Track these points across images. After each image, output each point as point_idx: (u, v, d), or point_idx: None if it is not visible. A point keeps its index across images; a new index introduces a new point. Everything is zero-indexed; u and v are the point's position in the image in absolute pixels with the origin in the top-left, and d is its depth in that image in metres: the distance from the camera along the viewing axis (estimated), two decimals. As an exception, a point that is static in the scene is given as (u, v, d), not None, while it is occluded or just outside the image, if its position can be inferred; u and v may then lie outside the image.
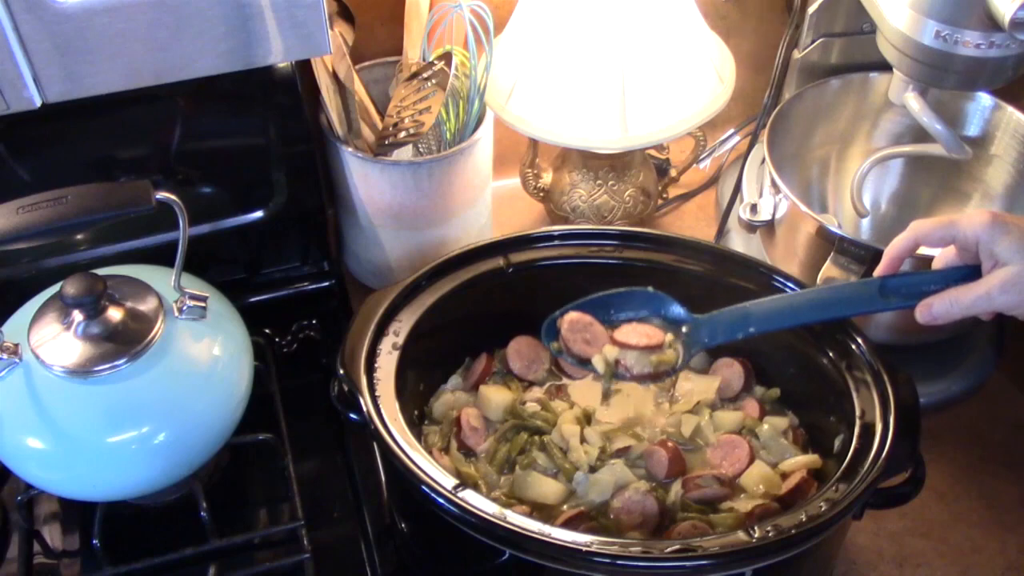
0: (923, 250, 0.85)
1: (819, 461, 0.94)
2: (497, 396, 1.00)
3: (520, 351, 1.05)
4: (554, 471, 0.95)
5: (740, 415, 1.00)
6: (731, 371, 1.03)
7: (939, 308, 0.80)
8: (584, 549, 0.77)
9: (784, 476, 0.94)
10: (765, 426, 0.98)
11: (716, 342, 0.87)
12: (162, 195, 0.86)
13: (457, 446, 0.98)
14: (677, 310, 0.88)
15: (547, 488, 0.93)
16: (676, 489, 0.93)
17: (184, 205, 0.88)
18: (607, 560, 0.77)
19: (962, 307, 0.79)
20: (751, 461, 0.95)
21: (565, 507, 0.92)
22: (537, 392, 1.03)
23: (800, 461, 0.94)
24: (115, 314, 0.90)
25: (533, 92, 1.12)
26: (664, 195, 1.32)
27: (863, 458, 0.85)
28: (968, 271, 0.81)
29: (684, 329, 0.88)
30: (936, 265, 0.84)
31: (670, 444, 0.96)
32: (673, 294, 1.03)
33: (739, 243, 1.23)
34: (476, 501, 0.80)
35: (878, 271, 0.86)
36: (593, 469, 0.94)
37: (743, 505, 0.91)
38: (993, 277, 0.78)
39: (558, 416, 0.99)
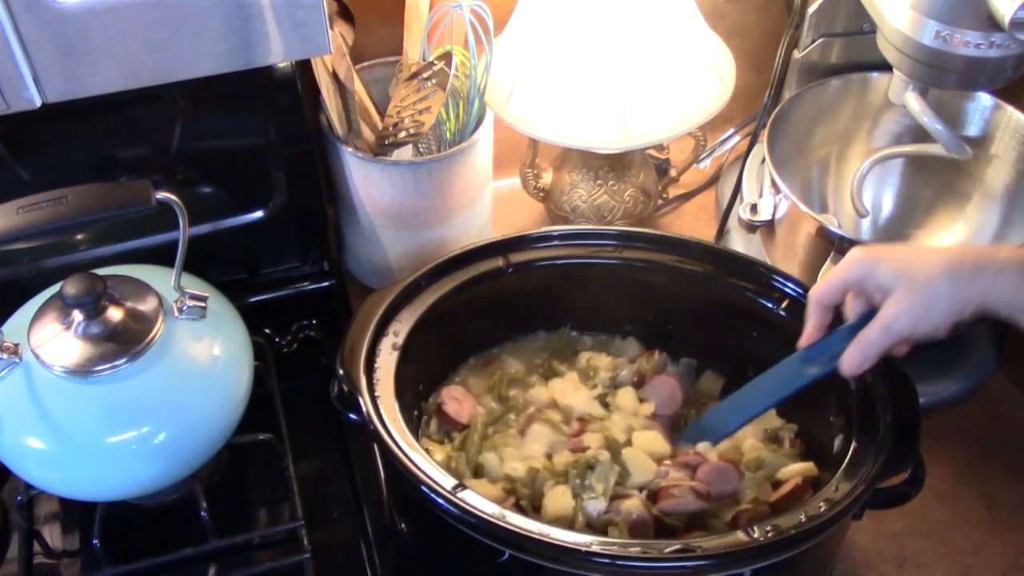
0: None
1: (814, 469, 0.93)
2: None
3: None
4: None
5: (728, 442, 0.98)
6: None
7: (857, 355, 0.82)
8: (584, 549, 0.77)
9: (777, 484, 0.93)
10: (762, 453, 0.97)
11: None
12: (162, 195, 0.86)
13: (441, 423, 0.99)
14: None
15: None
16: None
17: (184, 205, 0.88)
18: (607, 560, 0.77)
19: (873, 345, 0.81)
20: (736, 490, 0.94)
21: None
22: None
23: (795, 469, 0.93)
24: (115, 314, 0.90)
25: (533, 92, 1.12)
26: (664, 195, 1.32)
27: (863, 458, 0.85)
28: (867, 315, 0.83)
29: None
30: (850, 319, 0.86)
31: None
32: (673, 294, 1.04)
33: (739, 243, 1.23)
34: (476, 501, 0.80)
35: (801, 343, 0.88)
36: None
37: (727, 513, 0.91)
38: (884, 310, 0.80)
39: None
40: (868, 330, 0.81)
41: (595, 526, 0.89)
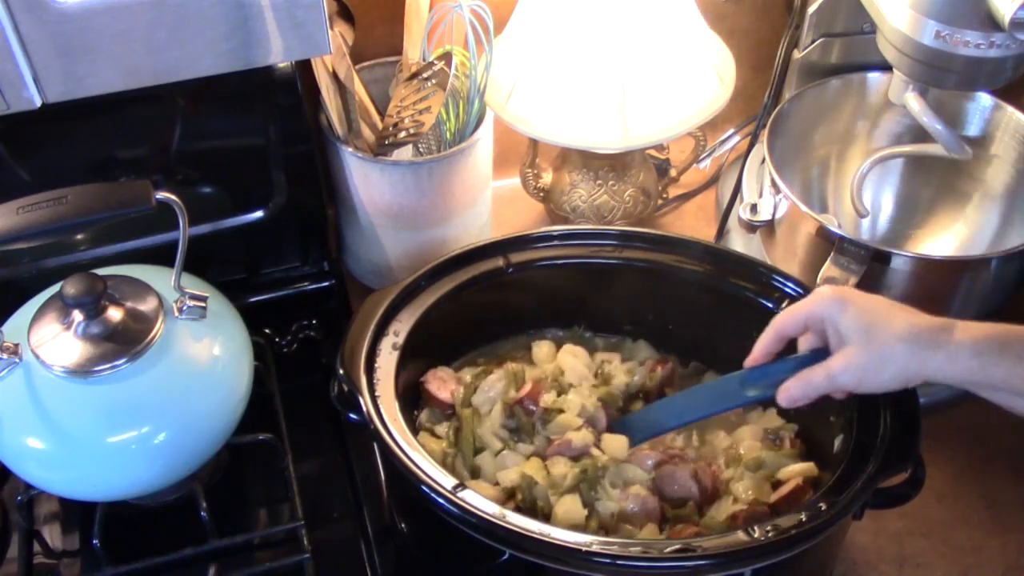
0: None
1: (814, 469, 0.93)
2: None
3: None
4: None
5: (728, 440, 0.99)
6: None
7: (796, 390, 0.83)
8: (584, 549, 0.77)
9: (777, 484, 0.93)
10: (762, 453, 0.97)
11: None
12: (162, 195, 0.86)
13: (426, 404, 0.99)
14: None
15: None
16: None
17: (184, 205, 0.88)
18: (607, 560, 0.77)
19: (814, 387, 0.82)
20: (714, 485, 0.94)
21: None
22: None
23: (795, 469, 0.93)
24: (115, 314, 0.90)
25: (533, 92, 1.12)
26: (664, 195, 1.32)
27: (863, 458, 0.85)
28: (819, 352, 0.84)
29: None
30: (802, 350, 0.87)
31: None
32: (673, 294, 1.04)
33: (739, 243, 1.23)
34: (476, 501, 0.80)
35: (747, 363, 0.89)
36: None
37: (727, 508, 0.91)
38: (834, 358, 0.81)
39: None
40: (814, 371, 0.82)
41: (608, 527, 0.89)
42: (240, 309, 1.01)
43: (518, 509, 0.90)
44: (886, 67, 1.04)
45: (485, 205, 1.22)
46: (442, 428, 0.98)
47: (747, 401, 0.91)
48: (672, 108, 1.12)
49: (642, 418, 0.97)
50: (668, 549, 0.78)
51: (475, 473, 0.95)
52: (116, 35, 0.74)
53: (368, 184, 1.13)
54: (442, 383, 1.00)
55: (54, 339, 0.89)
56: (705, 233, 1.32)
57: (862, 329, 0.80)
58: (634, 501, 0.90)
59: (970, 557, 1.01)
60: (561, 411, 0.97)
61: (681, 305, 1.05)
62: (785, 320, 0.86)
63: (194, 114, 1.05)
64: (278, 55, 0.80)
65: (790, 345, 0.88)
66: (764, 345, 0.88)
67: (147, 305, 0.92)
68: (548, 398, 0.98)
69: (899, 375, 0.79)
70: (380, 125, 1.16)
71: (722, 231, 1.27)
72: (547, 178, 1.29)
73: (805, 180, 1.25)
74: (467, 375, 1.02)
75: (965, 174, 1.21)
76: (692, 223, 1.37)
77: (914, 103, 1.02)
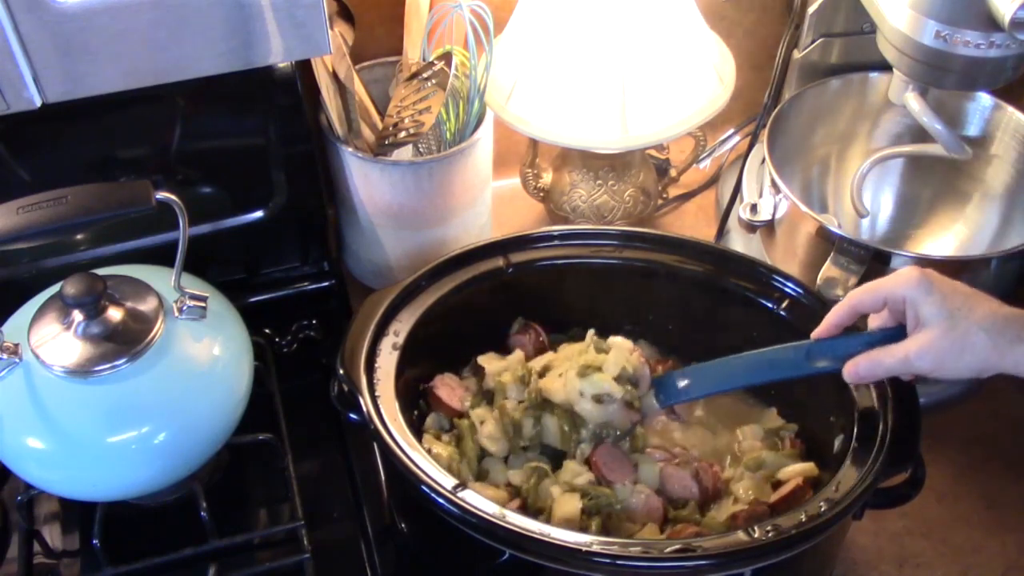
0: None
1: (815, 469, 0.93)
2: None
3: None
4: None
5: (729, 440, 0.99)
6: None
7: (864, 368, 0.82)
8: (584, 549, 0.77)
9: (778, 484, 0.93)
10: (762, 453, 0.97)
11: (665, 405, 0.96)
12: (162, 195, 0.86)
13: (434, 410, 0.99)
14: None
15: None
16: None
17: (184, 205, 0.88)
18: (607, 560, 0.77)
19: (885, 368, 0.82)
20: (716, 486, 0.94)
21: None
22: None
23: (795, 469, 0.93)
24: (115, 314, 0.90)
25: (533, 92, 1.12)
26: (664, 195, 1.32)
27: (863, 458, 0.85)
28: (893, 332, 0.83)
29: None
30: (872, 326, 0.86)
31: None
32: (673, 294, 1.04)
33: (739, 243, 1.23)
34: (476, 501, 0.80)
35: (815, 334, 0.88)
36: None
37: (727, 509, 0.91)
38: (912, 341, 0.80)
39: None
40: (889, 352, 0.81)
41: (610, 527, 0.89)
42: (240, 309, 1.01)
43: (521, 508, 0.90)
44: (886, 67, 1.04)
45: (485, 205, 1.22)
46: (448, 434, 0.98)
47: (811, 372, 0.89)
48: (672, 108, 1.12)
49: (693, 375, 0.95)
50: (668, 549, 0.78)
51: (481, 476, 0.95)
52: (116, 35, 0.74)
53: (368, 184, 1.13)
54: (451, 390, 1.00)
55: (54, 339, 0.89)
56: (705, 233, 1.32)
57: (945, 316, 0.78)
58: (638, 497, 0.90)
59: (970, 557, 1.01)
60: (598, 369, 0.95)
61: (681, 305, 1.05)
62: (864, 296, 0.84)
63: (194, 114, 1.05)
64: (278, 55, 0.80)
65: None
66: (836, 318, 0.86)
67: (147, 305, 0.92)
68: (587, 356, 0.96)
69: (976, 365, 0.78)
70: (380, 125, 1.16)
71: (722, 231, 1.27)
72: (547, 178, 1.29)
73: (805, 180, 1.25)
74: (472, 382, 1.02)
75: (965, 174, 1.21)
76: (692, 223, 1.37)
77: (914, 103, 1.02)
